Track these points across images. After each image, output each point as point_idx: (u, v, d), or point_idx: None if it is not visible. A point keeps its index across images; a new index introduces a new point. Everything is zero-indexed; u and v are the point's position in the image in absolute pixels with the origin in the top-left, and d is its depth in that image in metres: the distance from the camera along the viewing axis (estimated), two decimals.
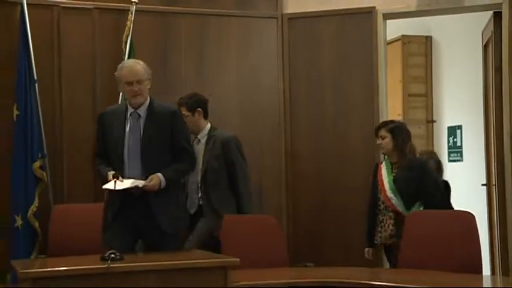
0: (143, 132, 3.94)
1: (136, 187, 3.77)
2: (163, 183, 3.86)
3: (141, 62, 4.07)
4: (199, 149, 4.67)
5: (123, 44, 4.97)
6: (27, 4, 4.79)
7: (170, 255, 3.63)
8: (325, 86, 5.63)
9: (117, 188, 3.73)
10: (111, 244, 3.61)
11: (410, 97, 7.71)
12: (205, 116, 4.75)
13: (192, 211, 4.62)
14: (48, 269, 3.25)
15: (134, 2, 5.05)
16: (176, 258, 3.56)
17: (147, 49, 5.19)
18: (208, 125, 4.75)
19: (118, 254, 3.30)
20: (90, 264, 3.26)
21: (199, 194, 4.63)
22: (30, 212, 4.62)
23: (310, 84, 5.65)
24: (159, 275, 3.26)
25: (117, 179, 3.75)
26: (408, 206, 4.60)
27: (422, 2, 5.51)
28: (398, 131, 4.74)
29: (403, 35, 7.63)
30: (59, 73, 5.04)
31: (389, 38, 6.01)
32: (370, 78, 5.54)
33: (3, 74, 4.85)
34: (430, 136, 7.63)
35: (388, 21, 5.67)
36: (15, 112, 4.71)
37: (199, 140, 4.72)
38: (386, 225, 4.63)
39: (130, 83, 3.92)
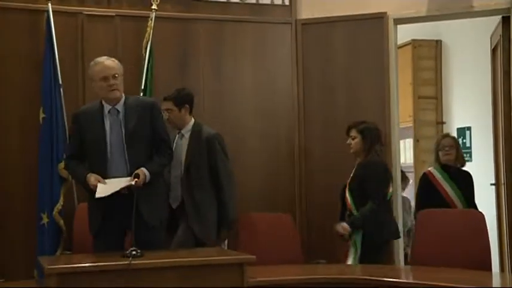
0: (124, 128, 3.86)
1: (127, 187, 3.67)
2: (148, 178, 3.77)
3: (113, 58, 4.01)
4: (183, 143, 4.49)
5: (143, 49, 4.99)
6: (53, 12, 4.82)
7: (189, 252, 3.64)
8: (338, 89, 5.62)
9: (110, 193, 3.64)
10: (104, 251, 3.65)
11: (420, 99, 7.67)
12: (191, 112, 4.58)
13: (175, 205, 4.41)
14: (73, 265, 3.27)
15: (154, 9, 5.07)
16: (194, 255, 3.57)
17: (166, 54, 5.22)
18: (192, 120, 4.56)
19: (139, 251, 3.32)
20: (112, 260, 3.28)
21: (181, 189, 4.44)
22: (55, 210, 4.64)
23: (323, 87, 5.64)
24: (178, 271, 3.29)
25: (99, 181, 3.70)
26: (359, 204, 4.60)
27: (432, 7, 5.48)
28: (368, 132, 4.76)
29: (413, 39, 7.60)
30: (82, 77, 5.05)
31: (400, 42, 5.99)
32: (381, 81, 5.53)
33: (30, 79, 4.89)
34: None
35: (398, 26, 5.64)
36: (41, 115, 4.74)
37: (182, 135, 4.52)
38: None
39: (106, 78, 3.83)
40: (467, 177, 5.12)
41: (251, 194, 5.27)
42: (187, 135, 4.49)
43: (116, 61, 3.98)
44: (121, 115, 3.88)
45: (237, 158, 5.34)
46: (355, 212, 4.55)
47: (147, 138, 3.92)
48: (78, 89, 5.03)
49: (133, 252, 3.29)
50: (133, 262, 3.21)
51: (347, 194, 4.71)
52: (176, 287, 3.24)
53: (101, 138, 3.84)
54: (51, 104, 4.75)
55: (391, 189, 4.78)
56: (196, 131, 4.49)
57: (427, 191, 5.08)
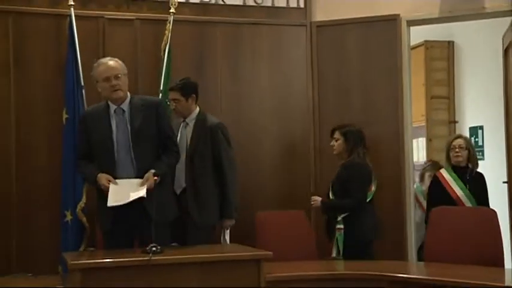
0: (130, 127, 3.84)
1: (141, 198, 3.63)
2: (157, 180, 3.73)
3: (116, 59, 3.99)
4: (187, 132, 4.45)
5: (162, 52, 4.99)
6: (75, 16, 4.85)
7: (207, 248, 3.64)
8: (352, 90, 5.60)
9: (122, 203, 3.60)
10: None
11: (433, 99, 7.64)
12: (197, 101, 4.54)
13: (178, 191, 4.37)
14: (95, 261, 3.29)
15: (172, 12, 5.09)
16: (212, 251, 3.57)
17: (185, 57, 5.22)
18: (197, 109, 4.53)
19: (159, 247, 3.34)
20: (133, 256, 3.30)
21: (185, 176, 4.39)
22: (78, 208, 4.66)
23: (337, 89, 5.63)
24: (196, 267, 3.30)
25: (110, 181, 3.68)
26: None
27: (444, 8, 5.45)
28: (350, 134, 4.82)
29: (426, 41, 7.57)
30: None
31: (412, 43, 5.95)
32: (394, 81, 5.51)
33: (54, 81, 4.92)
34: None
35: (411, 27, 5.62)
36: (65, 116, 4.76)
37: (187, 124, 4.48)
38: None
39: (108, 79, 3.82)
40: (480, 179, 5.04)
41: (268, 192, 5.28)
42: (191, 124, 4.46)
43: (119, 61, 3.96)
44: (126, 114, 3.86)
45: (253, 157, 5.38)
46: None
47: (153, 137, 3.90)
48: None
49: (153, 249, 3.30)
50: (153, 258, 3.22)
51: (330, 195, 4.80)
52: (195, 283, 3.26)
53: (107, 137, 3.82)
54: (74, 105, 4.77)
55: (373, 189, 4.80)
56: (200, 119, 4.47)
57: (437, 191, 5.05)
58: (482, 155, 7.12)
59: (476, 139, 7.25)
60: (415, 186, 5.88)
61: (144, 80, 5.04)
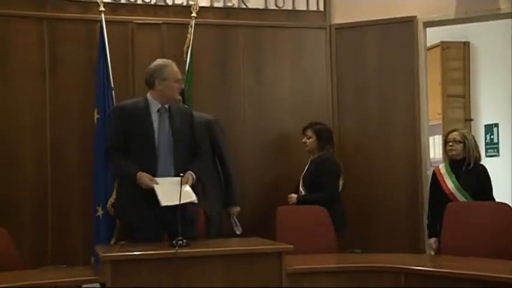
0: (172, 127, 3.82)
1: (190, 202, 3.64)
2: (194, 181, 3.77)
3: None
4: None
5: (184, 54, 5.00)
6: (106, 21, 4.89)
7: (231, 241, 3.65)
8: (370, 90, 5.58)
9: (175, 203, 3.53)
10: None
11: (449, 98, 7.56)
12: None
13: None
14: (125, 253, 3.30)
15: (194, 16, 5.11)
16: (236, 244, 3.58)
17: (209, 59, 5.25)
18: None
19: (184, 240, 3.35)
20: (160, 249, 3.32)
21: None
22: (109, 203, 4.70)
23: (356, 88, 5.61)
24: (220, 260, 3.30)
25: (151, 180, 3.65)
26: None
27: (460, 10, 5.41)
28: (322, 132, 4.89)
29: (442, 41, 7.50)
30: (133, 80, 5.12)
31: (429, 44, 5.91)
32: (411, 81, 5.47)
33: (86, 83, 4.96)
34: None
35: (427, 28, 5.57)
36: (96, 115, 4.80)
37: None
38: None
39: (178, 81, 3.85)
40: (479, 171, 4.74)
41: (288, 188, 5.27)
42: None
43: None
44: (167, 116, 3.85)
45: (275, 155, 5.38)
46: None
47: (188, 141, 3.90)
48: (128, 90, 5.08)
49: (179, 242, 3.32)
50: (179, 251, 3.24)
51: (301, 189, 4.84)
52: (219, 275, 3.27)
53: (150, 135, 3.78)
54: (105, 106, 4.81)
55: (341, 183, 4.91)
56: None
57: (433, 187, 4.90)
58: (498, 152, 7.06)
59: (492, 136, 7.18)
60: None
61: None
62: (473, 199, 4.62)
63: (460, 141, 4.72)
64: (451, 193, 4.66)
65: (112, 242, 4.66)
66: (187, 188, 3.65)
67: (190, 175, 3.75)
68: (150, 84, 3.86)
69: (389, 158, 5.39)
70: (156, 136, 3.78)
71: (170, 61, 3.97)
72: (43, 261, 4.65)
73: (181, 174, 3.62)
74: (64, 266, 4.45)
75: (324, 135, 4.92)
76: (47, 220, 4.86)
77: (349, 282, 3.50)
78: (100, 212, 4.70)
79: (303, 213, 4.61)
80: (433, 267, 3.56)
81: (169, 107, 3.87)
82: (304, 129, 4.98)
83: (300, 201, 4.80)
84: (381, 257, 3.80)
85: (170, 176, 3.74)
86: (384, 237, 5.31)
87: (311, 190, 4.82)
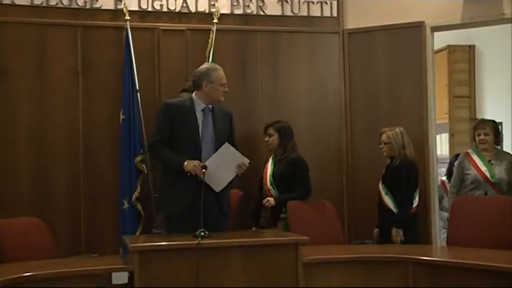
0: (215, 126, 3.83)
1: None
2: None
3: None
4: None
5: (206, 59, 4.98)
6: (134, 28, 4.94)
7: (250, 233, 3.64)
8: (380, 91, 5.53)
9: (226, 183, 3.69)
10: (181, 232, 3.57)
11: (455, 98, 7.56)
12: None
13: None
14: (151, 244, 3.32)
15: (215, 22, 5.11)
16: (254, 236, 3.57)
17: (229, 63, 5.20)
18: None
19: (207, 232, 3.35)
20: (184, 240, 3.32)
21: None
22: (134, 197, 4.73)
23: (367, 89, 5.56)
24: (241, 250, 3.31)
25: (205, 169, 3.63)
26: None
27: (466, 15, 5.33)
28: (283, 130, 4.71)
29: (448, 45, 7.46)
30: (159, 83, 5.13)
31: (436, 47, 5.84)
32: (419, 83, 5.41)
33: (115, 85, 4.98)
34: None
35: (435, 33, 5.51)
36: (121, 116, 4.83)
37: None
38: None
39: (224, 84, 3.84)
40: (402, 168, 4.69)
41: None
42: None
43: None
44: (210, 115, 3.85)
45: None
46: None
47: (227, 139, 3.87)
48: (154, 93, 5.09)
49: (202, 233, 3.32)
50: (202, 242, 3.24)
51: (269, 186, 4.65)
52: (238, 264, 3.27)
53: (195, 132, 3.79)
54: (129, 107, 4.83)
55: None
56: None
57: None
58: (502, 148, 6.99)
59: None
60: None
61: None
62: (392, 194, 4.65)
63: (386, 142, 4.78)
64: (380, 191, 4.74)
65: (138, 232, 4.69)
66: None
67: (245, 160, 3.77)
68: (197, 86, 3.87)
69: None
70: (200, 133, 3.80)
71: (218, 66, 3.98)
72: (77, 251, 4.70)
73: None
74: (96, 255, 4.49)
75: (285, 132, 4.72)
76: (80, 212, 4.89)
77: (361, 272, 3.49)
78: (126, 205, 4.73)
79: (312, 207, 4.59)
80: (439, 258, 3.53)
81: (212, 107, 3.87)
82: (266, 128, 4.77)
83: (280, 200, 4.56)
84: (390, 248, 3.78)
85: None
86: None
87: (282, 189, 4.61)
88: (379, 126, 5.21)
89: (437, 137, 5.98)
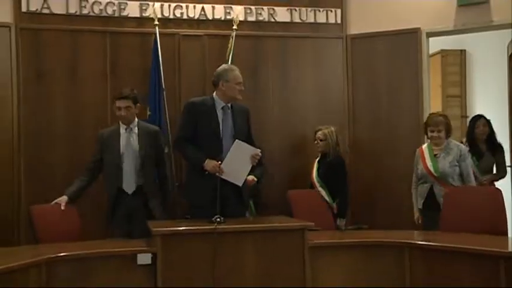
0: (234, 123, 3.77)
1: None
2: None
3: None
4: (133, 138, 4.00)
5: (226, 61, 4.95)
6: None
7: (260, 219, 3.62)
8: (381, 90, 5.49)
9: (245, 177, 3.68)
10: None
11: (448, 98, 7.50)
12: None
13: (131, 191, 3.96)
14: (172, 228, 3.30)
15: (235, 29, 5.08)
16: (265, 222, 3.55)
17: (242, 65, 5.06)
18: (136, 117, 4.09)
19: (222, 218, 3.33)
20: (202, 225, 3.30)
21: (137, 177, 3.96)
22: None
23: (368, 89, 5.53)
24: (253, 235, 3.28)
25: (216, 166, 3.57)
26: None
27: (458, 22, 5.30)
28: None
29: (442, 49, 7.38)
30: (179, 83, 5.13)
31: (431, 51, 5.79)
32: (416, 83, 5.38)
33: (140, 85, 4.93)
34: (464, 128, 7.38)
35: (430, 38, 5.47)
36: (148, 112, 4.82)
37: (131, 129, 4.01)
38: None
39: (240, 83, 3.77)
40: (335, 164, 4.75)
41: (309, 176, 5.22)
42: (135, 130, 4.04)
43: None
44: (230, 113, 3.80)
45: (300, 148, 5.35)
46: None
47: (246, 135, 3.83)
48: (175, 93, 5.09)
49: (218, 219, 3.31)
50: (218, 227, 3.23)
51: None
52: (251, 247, 3.25)
53: (216, 129, 3.73)
54: (155, 104, 4.83)
55: None
56: (141, 126, 4.07)
57: None
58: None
59: None
60: None
61: (210, 86, 5.03)
62: (327, 187, 4.67)
63: (322, 139, 4.77)
64: (314, 181, 4.73)
65: None
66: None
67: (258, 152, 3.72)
68: (215, 85, 3.83)
69: (396, 149, 5.32)
70: (220, 130, 3.75)
71: (234, 67, 3.93)
72: (107, 234, 4.68)
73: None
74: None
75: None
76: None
77: (361, 255, 3.45)
78: None
79: (309, 196, 4.58)
80: (433, 242, 3.49)
81: (231, 105, 3.82)
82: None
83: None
84: (388, 233, 3.74)
85: None
86: (389, 215, 5.21)
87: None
88: (380, 123, 5.20)
89: None
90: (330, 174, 4.70)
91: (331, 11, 5.53)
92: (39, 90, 4.91)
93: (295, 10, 5.45)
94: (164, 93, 4.88)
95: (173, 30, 5.15)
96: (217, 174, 3.54)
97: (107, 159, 3.96)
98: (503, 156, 5.12)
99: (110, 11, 5.07)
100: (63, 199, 3.88)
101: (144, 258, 3.16)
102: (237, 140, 3.66)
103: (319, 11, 5.51)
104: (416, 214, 4.46)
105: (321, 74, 5.52)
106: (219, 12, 5.26)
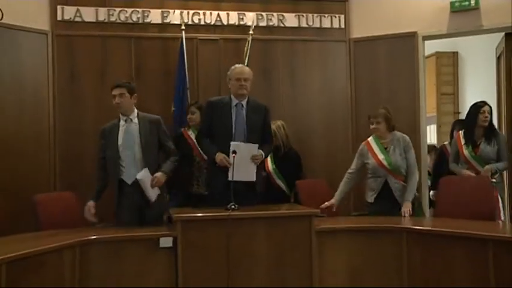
0: (246, 120, 3.71)
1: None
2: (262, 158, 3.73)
3: (247, 67, 3.87)
4: (133, 128, 3.71)
5: (242, 62, 4.87)
6: (178, 38, 4.90)
7: (270, 207, 3.57)
8: (381, 89, 5.41)
9: (255, 172, 3.60)
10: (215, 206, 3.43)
11: (442, 95, 7.51)
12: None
13: (130, 182, 3.66)
14: (191, 215, 3.27)
15: (250, 33, 5.03)
16: (275, 209, 3.50)
17: (255, 67, 5.05)
18: (135, 109, 3.80)
19: (236, 205, 3.29)
20: (217, 212, 3.27)
21: (136, 167, 3.66)
22: None
23: (369, 88, 5.44)
24: (264, 221, 3.24)
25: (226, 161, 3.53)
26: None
27: (451, 27, 5.22)
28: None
29: (436, 51, 7.39)
30: (197, 83, 5.09)
31: (426, 53, 5.72)
32: (413, 82, 5.31)
33: (162, 85, 4.99)
34: None
35: (425, 41, 5.40)
36: (172, 108, 4.79)
37: (131, 120, 3.73)
38: None
39: (239, 79, 3.68)
40: (290, 156, 4.60)
41: (315, 167, 5.18)
42: (135, 120, 3.75)
43: (248, 69, 3.82)
44: (244, 110, 3.73)
45: (306, 141, 5.31)
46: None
47: (260, 132, 3.77)
48: (194, 91, 5.04)
49: (232, 207, 3.27)
50: (232, 213, 3.19)
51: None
52: (262, 232, 3.21)
53: (229, 125, 3.68)
54: (179, 101, 4.79)
55: None
56: (142, 116, 3.78)
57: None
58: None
59: None
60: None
61: (225, 86, 4.99)
62: (286, 179, 4.51)
63: (276, 134, 4.49)
64: (270, 172, 4.53)
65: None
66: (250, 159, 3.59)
67: (261, 155, 3.67)
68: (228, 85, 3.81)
69: None
70: (233, 125, 3.69)
71: (238, 65, 3.85)
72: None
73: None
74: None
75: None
76: None
77: (363, 238, 3.40)
78: None
79: (313, 185, 4.52)
80: (428, 227, 3.44)
81: (247, 102, 3.76)
82: (189, 107, 4.50)
83: None
84: (387, 219, 3.68)
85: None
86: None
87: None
88: None
89: (427, 127, 5.87)
90: (286, 166, 4.52)
91: (335, 16, 5.46)
92: (72, 90, 4.92)
93: (303, 16, 5.39)
94: (188, 91, 4.85)
95: (192, 34, 5.11)
96: (229, 178, 3.44)
97: (108, 153, 3.70)
98: (502, 141, 4.45)
99: (134, 18, 5.05)
100: (91, 206, 3.62)
101: (166, 242, 3.14)
102: (231, 142, 3.56)
103: (325, 16, 5.44)
104: (333, 201, 3.97)
105: (326, 74, 5.45)
106: (233, 18, 5.22)
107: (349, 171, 4.10)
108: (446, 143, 5.28)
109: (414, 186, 3.92)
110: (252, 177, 3.61)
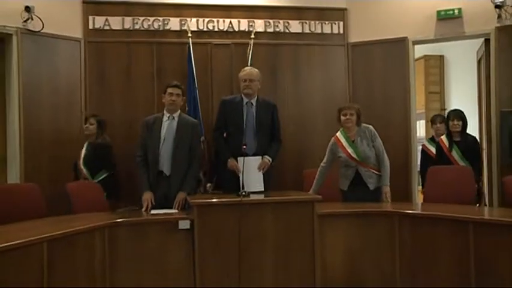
0: (257, 116, 3.69)
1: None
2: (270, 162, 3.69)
3: (256, 69, 3.81)
4: (173, 125, 3.62)
5: (248, 64, 4.86)
6: (194, 43, 4.87)
7: (277, 193, 3.54)
8: (376, 89, 5.34)
9: (261, 188, 3.54)
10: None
11: (429, 94, 7.44)
12: None
13: (168, 173, 3.58)
14: (206, 200, 3.24)
15: (252, 37, 5.01)
16: (281, 195, 3.46)
17: (264, 69, 4.99)
18: (180, 109, 3.73)
19: (247, 191, 3.27)
20: (230, 198, 3.25)
21: (172, 160, 3.58)
22: None
23: (365, 87, 5.37)
24: (272, 206, 3.20)
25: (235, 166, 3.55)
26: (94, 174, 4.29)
27: (438, 32, 5.16)
28: (102, 122, 4.36)
29: (425, 55, 7.31)
30: (211, 84, 5.05)
31: (416, 56, 5.64)
32: (404, 82, 5.24)
33: (184, 84, 4.72)
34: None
35: (415, 46, 5.32)
36: (186, 107, 4.74)
37: (173, 118, 3.63)
38: None
39: (244, 80, 3.68)
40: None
41: (316, 157, 5.12)
42: (177, 119, 3.65)
43: (256, 71, 3.76)
44: (253, 108, 3.70)
45: (309, 136, 5.26)
46: (90, 177, 4.19)
47: (269, 129, 3.73)
48: (208, 92, 5.02)
49: (243, 193, 3.25)
50: (243, 199, 3.17)
51: (82, 167, 4.25)
52: (270, 216, 3.17)
53: (239, 122, 3.66)
54: (192, 100, 4.76)
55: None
56: (182, 117, 3.70)
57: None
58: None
59: None
60: None
61: (237, 86, 4.96)
62: None
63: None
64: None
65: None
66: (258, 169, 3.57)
67: (267, 160, 3.61)
68: None
69: (389, 135, 5.13)
70: (244, 123, 3.65)
71: (245, 68, 3.83)
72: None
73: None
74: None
75: (103, 123, 4.36)
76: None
77: (359, 221, 3.36)
78: None
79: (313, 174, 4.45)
80: (418, 211, 3.40)
81: (257, 101, 3.71)
82: (86, 118, 4.38)
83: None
84: (381, 205, 3.64)
85: (254, 151, 3.62)
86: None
87: (90, 168, 4.22)
88: (375, 115, 5.08)
89: (417, 122, 5.80)
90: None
91: (335, 23, 5.39)
92: (102, 90, 4.91)
93: (306, 23, 5.33)
94: (197, 91, 4.81)
95: (206, 40, 5.08)
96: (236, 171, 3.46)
97: (149, 144, 3.57)
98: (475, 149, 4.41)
99: (156, 25, 5.02)
100: (149, 196, 3.51)
101: (184, 224, 3.12)
102: (239, 158, 3.52)
103: (325, 23, 5.37)
104: (311, 192, 3.85)
105: (327, 75, 5.39)
106: (243, 25, 5.17)
107: (322, 164, 3.94)
108: (425, 142, 5.19)
109: (387, 171, 3.80)
110: (260, 187, 3.54)
